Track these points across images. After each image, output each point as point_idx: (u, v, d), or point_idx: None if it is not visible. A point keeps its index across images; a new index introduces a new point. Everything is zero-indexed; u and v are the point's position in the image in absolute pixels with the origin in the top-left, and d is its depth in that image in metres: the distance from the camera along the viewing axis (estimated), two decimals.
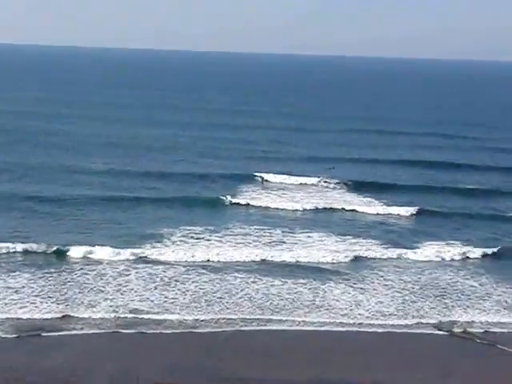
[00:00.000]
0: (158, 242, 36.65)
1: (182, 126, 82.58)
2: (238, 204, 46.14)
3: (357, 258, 35.97)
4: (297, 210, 45.49)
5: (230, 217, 43.21)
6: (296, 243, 37.94)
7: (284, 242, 37.98)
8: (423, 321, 28.75)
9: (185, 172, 54.85)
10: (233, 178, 53.33)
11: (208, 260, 34.72)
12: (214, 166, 58.14)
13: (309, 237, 39.19)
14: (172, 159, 60.37)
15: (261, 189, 51.00)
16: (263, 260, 35.12)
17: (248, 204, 46.20)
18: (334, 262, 35.35)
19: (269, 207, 45.74)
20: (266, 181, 53.62)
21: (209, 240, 37.58)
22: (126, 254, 34.48)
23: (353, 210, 45.96)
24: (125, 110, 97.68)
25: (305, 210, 45.50)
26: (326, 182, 53.25)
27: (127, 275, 32.08)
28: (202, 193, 48.40)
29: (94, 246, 34.92)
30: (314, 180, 53.56)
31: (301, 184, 52.94)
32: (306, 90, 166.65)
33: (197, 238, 37.72)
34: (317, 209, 45.78)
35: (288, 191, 50.65)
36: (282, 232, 39.76)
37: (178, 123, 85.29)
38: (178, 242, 36.91)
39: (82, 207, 42.95)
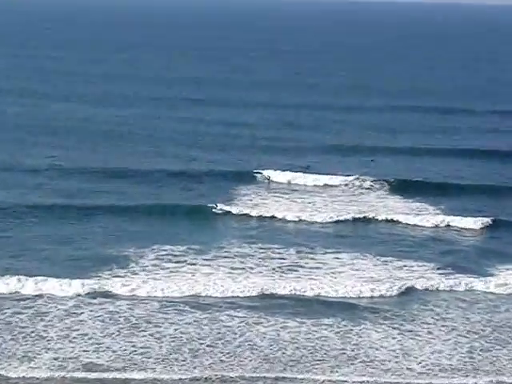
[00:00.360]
0: (122, 268, 36.70)
1: (155, 104, 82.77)
2: (234, 214, 46.18)
3: (404, 290, 35.90)
4: (317, 222, 45.49)
5: (223, 232, 43.42)
6: (318, 268, 37.97)
7: (300, 267, 38.03)
8: (500, 378, 28.64)
9: (159, 169, 54.99)
10: (226, 176, 53.57)
11: (192, 294, 34.62)
12: (199, 159, 58.33)
13: (336, 259, 39.26)
14: (141, 150, 60.51)
15: (265, 192, 51.07)
16: (272, 293, 35.04)
17: (248, 214, 46.22)
18: (373, 294, 35.34)
19: (277, 218, 45.81)
20: (273, 181, 53.68)
21: (193, 264, 37.65)
22: (76, 285, 34.42)
23: (397, 221, 46.03)
24: (74, 81, 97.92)
25: (329, 221, 45.50)
26: (358, 179, 53.18)
27: (78, 315, 32.01)
28: (183, 198, 48.56)
29: (30, 275, 34.87)
30: (341, 179, 53.57)
31: (323, 185, 52.96)
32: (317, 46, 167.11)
33: (176, 262, 37.80)
34: (346, 220, 45.83)
35: (304, 195, 50.76)
36: (297, 253, 39.84)
37: (149, 99, 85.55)
38: (150, 268, 36.97)
39: (13, 220, 43.05)
